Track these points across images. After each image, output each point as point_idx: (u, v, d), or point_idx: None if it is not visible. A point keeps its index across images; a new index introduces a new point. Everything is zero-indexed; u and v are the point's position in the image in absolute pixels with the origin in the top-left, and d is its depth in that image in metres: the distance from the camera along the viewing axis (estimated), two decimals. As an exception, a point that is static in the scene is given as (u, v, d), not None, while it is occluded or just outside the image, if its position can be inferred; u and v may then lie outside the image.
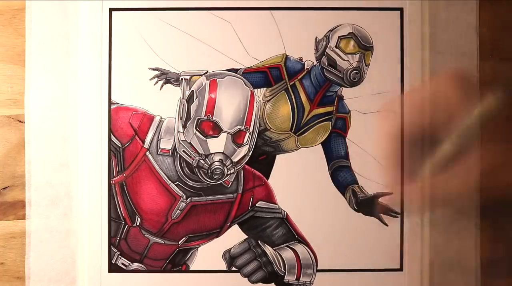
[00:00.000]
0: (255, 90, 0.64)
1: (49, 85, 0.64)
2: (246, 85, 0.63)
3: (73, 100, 0.64)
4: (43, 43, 0.64)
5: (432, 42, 0.64)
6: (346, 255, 0.64)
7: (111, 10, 0.64)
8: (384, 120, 0.61)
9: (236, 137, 0.63)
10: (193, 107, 0.63)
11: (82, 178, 0.63)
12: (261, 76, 0.64)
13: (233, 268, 0.64)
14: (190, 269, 0.65)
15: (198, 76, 0.64)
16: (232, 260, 0.64)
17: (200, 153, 0.62)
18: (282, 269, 0.64)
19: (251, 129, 0.63)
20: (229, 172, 0.63)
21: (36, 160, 0.63)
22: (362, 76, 0.64)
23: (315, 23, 0.64)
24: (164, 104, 0.64)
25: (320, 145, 0.65)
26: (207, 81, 0.63)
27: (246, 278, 0.64)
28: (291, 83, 0.65)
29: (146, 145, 0.64)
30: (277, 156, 0.65)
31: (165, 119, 0.64)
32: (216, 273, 0.64)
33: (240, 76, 0.64)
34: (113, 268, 0.64)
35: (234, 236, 0.65)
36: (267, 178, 0.65)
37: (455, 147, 0.47)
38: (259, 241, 0.64)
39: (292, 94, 0.65)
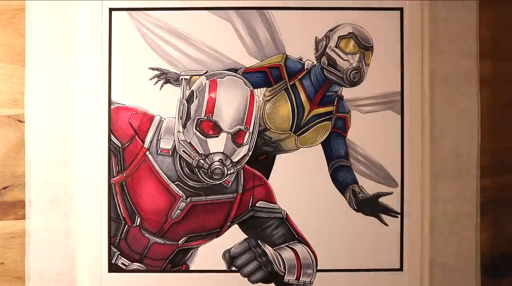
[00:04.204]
0: (255, 90, 0.64)
1: (49, 85, 0.64)
2: (246, 85, 0.63)
3: (73, 100, 0.64)
4: (43, 43, 0.64)
5: (432, 42, 0.64)
6: (349, 255, 0.65)
7: (111, 10, 0.64)
8: None
9: (236, 137, 0.63)
10: (193, 107, 0.63)
11: (82, 178, 0.63)
12: (261, 76, 0.64)
13: (233, 268, 0.64)
14: (190, 269, 0.65)
15: (198, 76, 0.64)
16: (232, 260, 0.64)
17: (200, 152, 0.62)
18: (282, 269, 0.64)
19: (251, 129, 0.63)
20: (229, 172, 0.63)
21: (36, 160, 0.63)
22: (362, 76, 0.64)
23: (315, 23, 0.64)
24: (164, 104, 0.64)
25: (320, 144, 0.65)
26: (207, 81, 0.63)
27: (246, 278, 0.64)
28: (291, 83, 0.65)
29: (146, 145, 0.64)
30: (277, 156, 0.65)
31: (165, 119, 0.64)
32: (216, 273, 0.64)
33: (240, 76, 0.64)
34: (113, 268, 0.64)
35: (234, 236, 0.65)
36: (267, 178, 0.65)
37: None
38: (259, 241, 0.64)
39: (292, 94, 0.65)
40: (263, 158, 0.65)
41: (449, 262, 0.64)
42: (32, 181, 0.63)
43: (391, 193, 0.64)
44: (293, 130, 0.65)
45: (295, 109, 0.65)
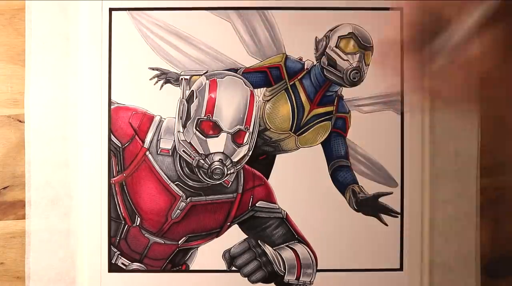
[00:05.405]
0: (255, 90, 0.64)
1: (49, 85, 0.64)
2: (246, 85, 0.64)
3: (73, 100, 0.64)
4: (43, 43, 0.64)
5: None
6: (349, 255, 0.65)
7: (111, 10, 0.64)
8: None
9: (236, 137, 0.63)
10: (193, 107, 0.63)
11: (82, 178, 0.63)
12: (261, 76, 0.64)
13: (233, 268, 0.64)
14: (190, 269, 0.65)
15: (198, 76, 0.64)
16: (232, 260, 0.64)
17: (200, 152, 0.62)
18: (282, 269, 0.64)
19: (251, 129, 0.63)
20: (229, 172, 0.63)
21: (36, 160, 0.63)
22: (362, 76, 0.64)
23: (315, 23, 0.64)
24: (164, 104, 0.64)
25: (320, 144, 0.65)
26: (207, 81, 0.63)
27: (246, 278, 0.64)
28: (291, 83, 0.65)
29: (146, 145, 0.64)
30: (277, 156, 0.65)
31: (165, 119, 0.64)
32: (216, 273, 0.64)
33: (240, 76, 0.64)
34: (113, 268, 0.64)
35: (234, 235, 0.65)
36: (267, 177, 0.65)
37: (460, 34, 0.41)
38: (259, 241, 0.64)
39: (292, 94, 0.65)
40: (263, 158, 0.65)
41: (449, 262, 0.64)
42: (32, 181, 0.63)
43: (391, 193, 0.64)
44: (293, 130, 0.65)
45: (295, 109, 0.65)
